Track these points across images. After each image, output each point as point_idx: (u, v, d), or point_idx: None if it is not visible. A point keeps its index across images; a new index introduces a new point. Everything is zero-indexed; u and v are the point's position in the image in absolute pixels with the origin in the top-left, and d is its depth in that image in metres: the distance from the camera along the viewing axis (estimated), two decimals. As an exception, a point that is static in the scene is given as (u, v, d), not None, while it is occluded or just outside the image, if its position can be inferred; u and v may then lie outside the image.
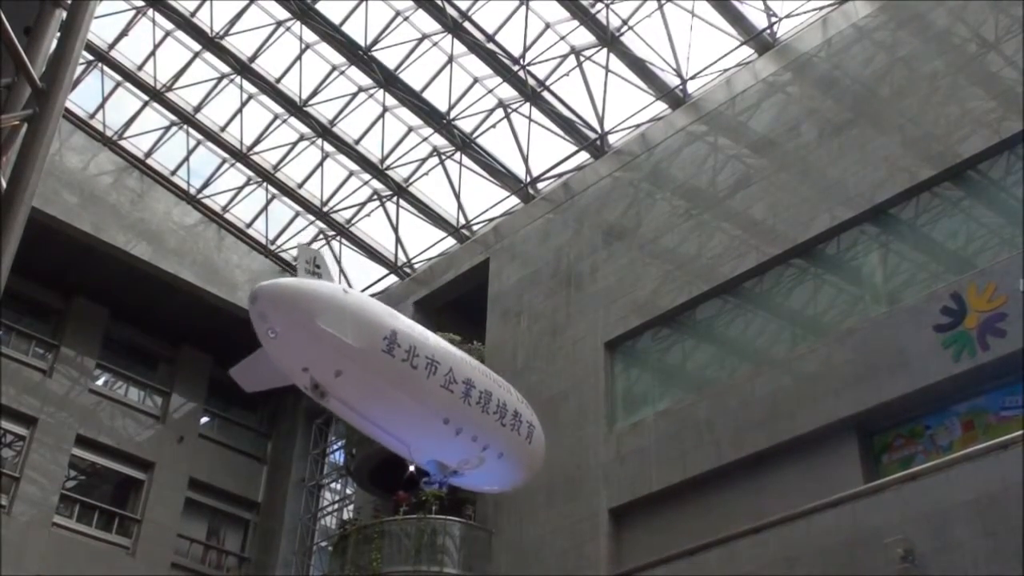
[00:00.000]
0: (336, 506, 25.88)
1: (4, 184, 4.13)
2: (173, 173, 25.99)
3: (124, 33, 24.10)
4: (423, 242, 25.71)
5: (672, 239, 19.22)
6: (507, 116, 22.66)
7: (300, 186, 25.81)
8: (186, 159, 25.81)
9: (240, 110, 24.76)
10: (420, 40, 22.52)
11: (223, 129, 25.24)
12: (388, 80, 23.03)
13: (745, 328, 18.16)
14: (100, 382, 25.26)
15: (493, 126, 23.10)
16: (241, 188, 26.15)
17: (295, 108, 24.21)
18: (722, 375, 17.84)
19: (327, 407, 9.57)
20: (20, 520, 22.23)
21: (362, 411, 9.71)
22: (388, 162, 24.48)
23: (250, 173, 25.77)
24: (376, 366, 8.85)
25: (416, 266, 25.73)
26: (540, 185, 23.17)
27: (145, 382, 25.96)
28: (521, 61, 21.72)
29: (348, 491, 25.29)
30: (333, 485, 26.34)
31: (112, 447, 24.39)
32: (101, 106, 25.15)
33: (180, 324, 25.88)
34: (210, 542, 25.72)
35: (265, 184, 25.87)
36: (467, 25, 21.75)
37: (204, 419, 26.41)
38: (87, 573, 22.67)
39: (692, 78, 20.60)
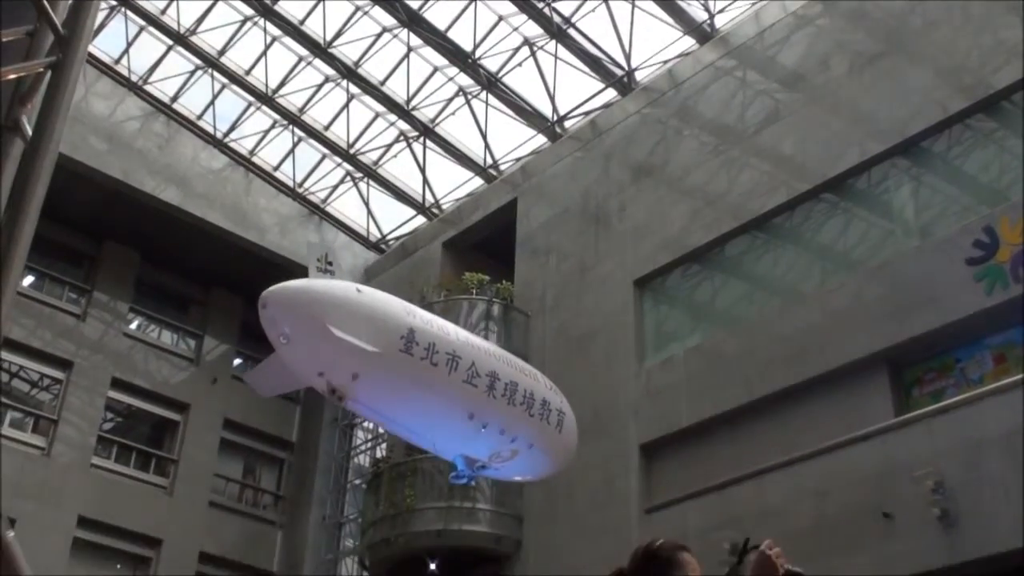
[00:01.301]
0: (369, 444, 26.14)
1: (30, 132, 4.15)
2: (199, 117, 26.00)
3: (147, -24, 24.03)
4: (451, 183, 25.70)
5: (701, 176, 19.09)
6: (533, 54, 22.46)
7: (326, 128, 25.77)
8: (212, 103, 25.81)
9: (264, 53, 24.67)
10: (444, -22, 22.31)
11: (248, 72, 25.18)
12: (412, 19, 22.85)
13: (774, 264, 18.09)
14: (133, 326, 25.53)
15: (519, 64, 22.89)
16: (267, 131, 26.14)
17: (319, 50, 24.09)
18: (752, 311, 17.82)
19: (347, 408, 9.36)
20: (60, 461, 22.64)
21: (383, 412, 9.48)
22: (414, 103, 24.36)
23: (276, 116, 25.75)
24: (395, 367, 8.57)
25: (444, 207, 25.71)
26: (567, 123, 23.02)
27: (178, 325, 26.22)
28: (546, -3, 21.48)
29: (380, 430, 25.53)
30: (365, 424, 26.58)
31: (147, 389, 24.72)
32: (125, 51, 25.13)
33: (210, 267, 26.06)
34: (246, 481, 26.11)
35: (291, 127, 25.85)
36: (491, -39, 21.51)
37: (237, 360, 26.66)
38: (126, 512, 23.13)
39: (720, 12, 20.32)
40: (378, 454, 24.56)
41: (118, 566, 23.49)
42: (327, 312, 8.27)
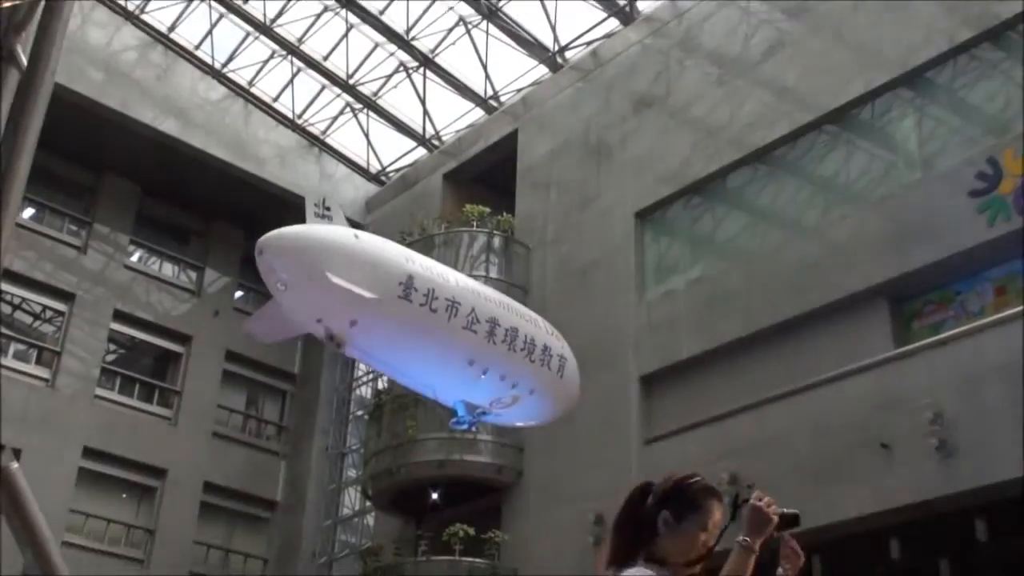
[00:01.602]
0: (371, 376, 26.29)
1: (25, 62, 4.12)
2: (197, 47, 25.72)
3: (142, -97, 23.63)
4: (451, 114, 25.49)
5: (703, 107, 18.96)
6: (534, -18, 22.19)
7: (325, 59, 25.51)
8: (209, 33, 25.51)
9: (263, -20, 24.36)
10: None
11: (245, 1, 24.88)
12: (412, -53, 22.53)
13: (776, 196, 18.03)
14: (134, 258, 25.54)
15: (520, -7, 22.64)
16: (266, 62, 25.88)
17: (318, -22, 23.79)
18: (753, 243, 17.81)
19: (346, 354, 9.23)
20: (64, 393, 22.80)
21: (382, 358, 9.39)
22: (414, 33, 24.09)
23: (274, 46, 25.48)
24: (393, 313, 8.46)
25: (444, 138, 25.56)
26: (568, 54, 22.79)
27: (179, 257, 26.22)
28: (548, -76, 21.15)
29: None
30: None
31: (149, 321, 24.80)
32: (122, -22, 24.82)
33: (211, 199, 25.99)
34: (249, 412, 26.31)
35: (290, 57, 25.59)
36: None
37: (238, 293, 26.72)
38: (131, 443, 23.35)
39: (724, -61, 20.02)
40: (379, 385, 24.70)
41: (123, 496, 23.76)
42: (324, 258, 8.14)
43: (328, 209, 8.60)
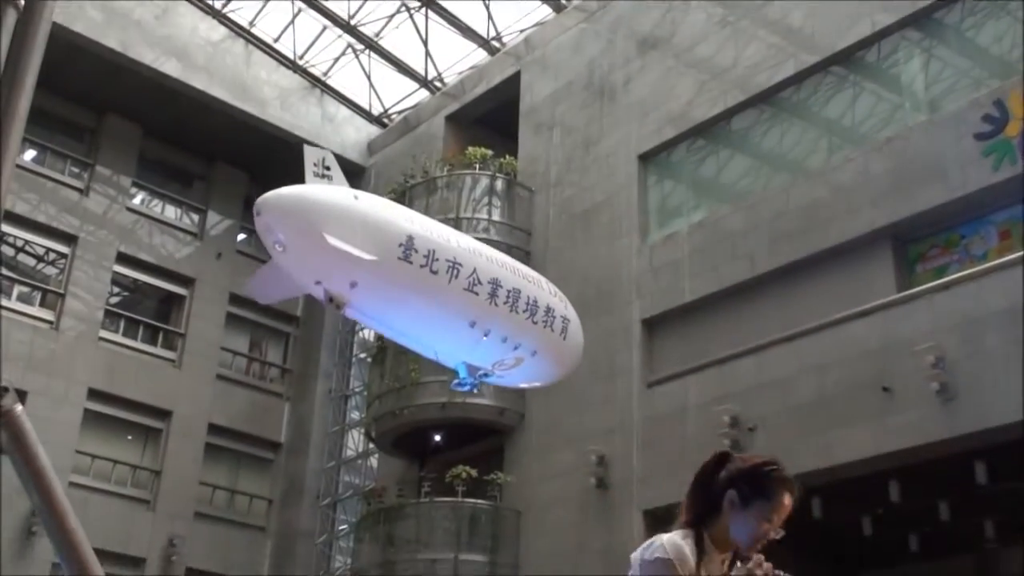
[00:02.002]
0: (373, 319, 26.36)
1: (22, 1, 4.07)
2: (197, -13, 25.49)
3: None
4: (453, 55, 25.27)
5: (708, 48, 18.78)
6: (537, -79, 21.89)
7: (327, -2, 25.28)
8: (210, -28, 25.27)
9: (263, -81, 24.05)
10: None
11: (246, -60, 24.60)
12: None
13: (781, 138, 17.94)
14: (137, 200, 25.48)
15: (523, -69, 22.37)
16: (266, 1, 25.62)
17: (319, -84, 23.47)
18: (757, 186, 17.74)
19: (346, 316, 9.02)
20: (68, 335, 22.87)
21: (383, 320, 9.29)
22: (416, -28, 23.85)
23: (275, -15, 25.23)
24: (393, 275, 8.35)
25: (446, 80, 25.38)
26: (572, -7, 22.57)
27: (181, 200, 26.16)
28: None
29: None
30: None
31: (152, 264, 24.81)
32: (120, -83, 24.48)
33: (212, 141, 25.86)
34: (252, 355, 26.41)
35: (291, -4, 25.34)
36: None
37: (241, 236, 26.69)
38: (136, 385, 23.49)
39: None
40: (383, 328, 24.77)
41: (129, 437, 23.93)
42: (323, 220, 8.01)
43: (328, 168, 8.45)
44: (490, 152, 21.36)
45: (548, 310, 9.49)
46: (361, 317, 9.53)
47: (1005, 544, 17.22)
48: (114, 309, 24.36)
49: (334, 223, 7.99)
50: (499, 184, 21.22)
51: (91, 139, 24.93)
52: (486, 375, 9.42)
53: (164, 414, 23.85)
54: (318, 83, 26.47)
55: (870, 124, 16.60)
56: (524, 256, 20.49)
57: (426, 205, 21.09)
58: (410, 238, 8.36)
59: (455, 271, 8.58)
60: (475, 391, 9.53)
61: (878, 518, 16.27)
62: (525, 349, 9.26)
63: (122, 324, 24.32)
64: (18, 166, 22.63)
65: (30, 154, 23.80)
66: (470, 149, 21.47)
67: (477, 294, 8.75)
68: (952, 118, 14.75)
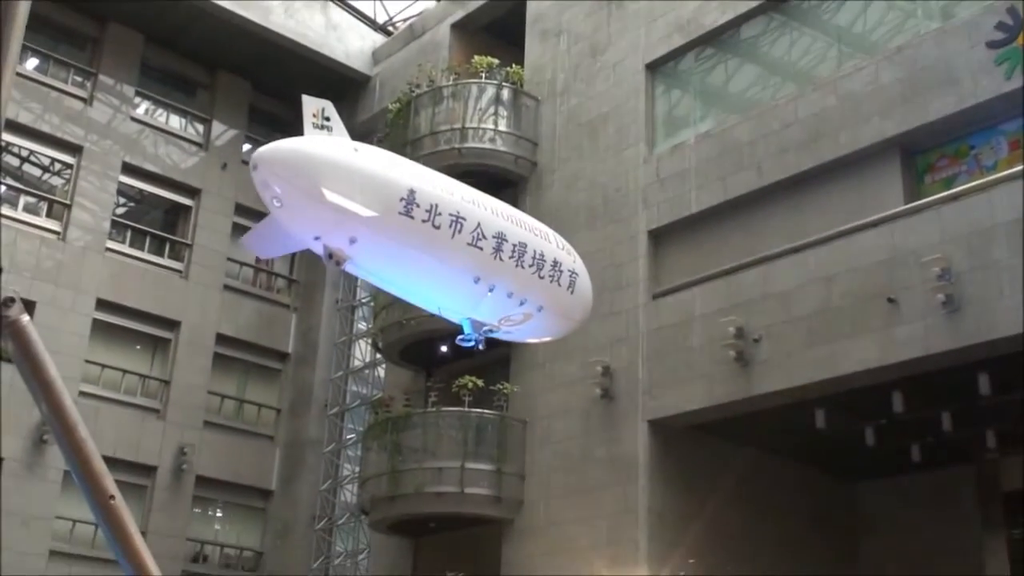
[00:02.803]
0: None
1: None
2: None
3: None
4: (459, -39, 24.84)
5: (718, -47, 18.43)
6: None
7: (330, -98, 24.80)
8: None
9: None
10: None
11: None
12: None
13: (790, 47, 17.69)
14: (141, 110, 25.30)
15: None
16: (269, -94, 25.16)
17: None
18: (765, 96, 17.56)
19: (346, 271, 8.80)
20: (75, 245, 22.91)
21: (384, 276, 9.14)
22: None
23: None
24: (394, 231, 8.10)
25: (452, -14, 24.99)
26: None
27: (185, 109, 25.98)
28: None
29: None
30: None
31: (158, 174, 24.73)
32: None
33: (216, 50, 25.58)
34: (259, 265, 26.45)
35: (294, -99, 24.86)
36: None
37: (246, 146, 26.54)
38: (143, 295, 23.60)
39: None
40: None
41: (137, 347, 24.11)
42: (321, 174, 7.79)
43: (328, 119, 8.24)
44: (496, 61, 21.11)
45: (555, 264, 9.31)
46: (361, 273, 9.38)
47: (1005, 454, 17.43)
48: (120, 220, 24.35)
49: (333, 178, 7.81)
50: (505, 93, 21.02)
51: (93, 47, 24.67)
52: (492, 331, 9.30)
53: (172, 324, 24.00)
54: (321, -11, 26.10)
55: (881, 32, 16.36)
56: (531, 166, 20.41)
57: (432, 115, 20.94)
58: (412, 192, 8.15)
59: (458, 225, 8.36)
60: (479, 347, 9.42)
61: (881, 428, 16.43)
62: (531, 304, 9.09)
63: (129, 235, 24.34)
64: (21, 74, 22.52)
65: (32, 62, 23.59)
66: (476, 58, 21.23)
67: (481, 249, 8.54)
68: (964, 26, 14.52)
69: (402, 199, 8.05)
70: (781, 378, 15.16)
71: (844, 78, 15.85)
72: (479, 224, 8.53)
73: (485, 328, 9.10)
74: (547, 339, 10.89)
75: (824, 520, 19.05)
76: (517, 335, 10.01)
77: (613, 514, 16.72)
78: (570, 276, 9.51)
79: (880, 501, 19.42)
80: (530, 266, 8.95)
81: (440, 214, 8.22)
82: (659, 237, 17.86)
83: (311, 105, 8.18)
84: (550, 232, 9.53)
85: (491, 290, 8.73)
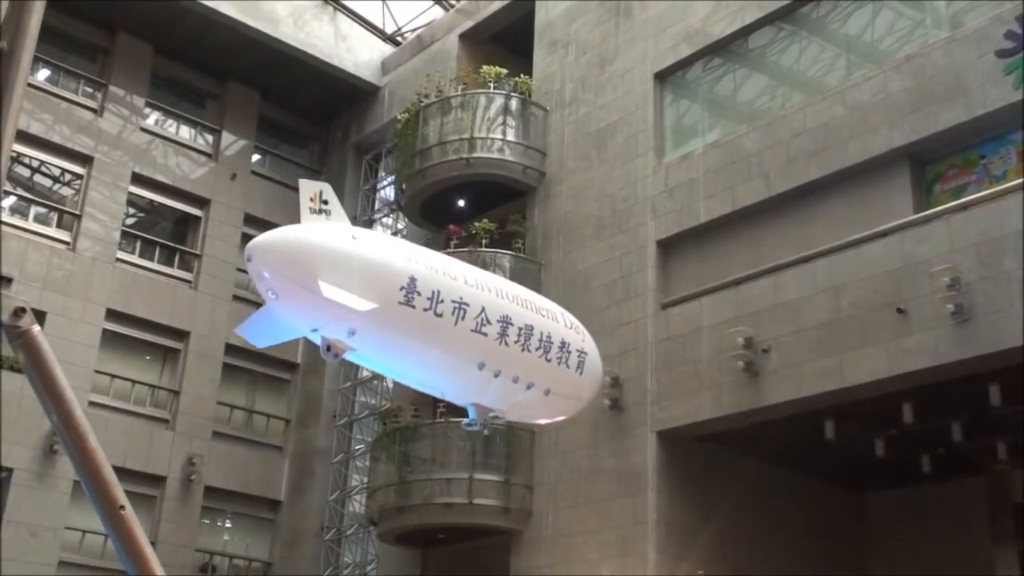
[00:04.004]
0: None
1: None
2: (207, -98, 25.09)
3: None
4: (468, -29, 24.92)
5: (726, -36, 18.44)
6: None
7: (339, -86, 24.89)
8: None
9: None
10: None
11: None
12: None
13: (799, 56, 17.70)
14: (151, 121, 25.38)
15: None
16: (279, -83, 25.25)
17: None
18: (774, 105, 17.55)
19: (346, 360, 8.42)
20: (85, 256, 22.96)
21: (384, 364, 8.92)
22: None
23: (286, -100, 24.83)
24: (394, 321, 7.84)
25: (461, -3, 25.06)
26: (588, -92, 22.11)
27: (195, 120, 26.06)
28: None
29: (400, 225, 25.70)
30: (385, 220, 26.77)
31: (168, 185, 24.79)
32: None
33: (225, 61, 25.67)
34: (268, 276, 26.42)
35: (303, -88, 24.96)
36: None
37: (255, 156, 26.63)
38: (153, 305, 23.64)
39: None
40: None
41: (147, 357, 24.14)
42: (318, 266, 7.49)
43: (326, 203, 7.94)
44: (505, 71, 21.16)
45: (563, 345, 9.00)
46: (361, 361, 9.15)
47: (1016, 465, 17.35)
48: (130, 230, 24.40)
49: (330, 269, 7.52)
50: (514, 103, 21.05)
51: (104, 58, 24.77)
52: (497, 417, 9.01)
53: (182, 334, 24.04)
54: (331, 1, 26.18)
55: (889, 41, 16.35)
56: (539, 176, 20.42)
57: (440, 125, 20.98)
58: (412, 280, 7.88)
59: (461, 312, 8.10)
60: (485, 432, 9.18)
61: (890, 439, 16.37)
62: (538, 388, 8.82)
63: (138, 245, 24.39)
64: (32, 85, 22.62)
65: (44, 73, 23.70)
66: (484, 68, 21.27)
67: (486, 334, 8.28)
68: (973, 35, 14.50)
69: (402, 288, 7.80)
70: (790, 389, 15.13)
71: (853, 87, 15.84)
72: (483, 309, 8.28)
73: (491, 415, 8.79)
74: (550, 421, 10.60)
75: (833, 531, 18.99)
76: (523, 418, 9.74)
77: (622, 525, 16.68)
78: (579, 356, 9.20)
79: (889, 513, 19.35)
80: (537, 349, 8.69)
81: (442, 301, 7.99)
82: (668, 247, 17.85)
83: (308, 189, 7.91)
84: (558, 311, 9.28)
85: (496, 376, 8.46)
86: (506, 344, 8.40)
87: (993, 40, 14.08)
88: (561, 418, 10.03)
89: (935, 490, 18.49)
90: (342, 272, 7.53)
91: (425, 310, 7.88)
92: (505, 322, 8.41)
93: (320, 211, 7.90)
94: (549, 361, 8.80)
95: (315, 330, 7.79)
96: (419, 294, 7.86)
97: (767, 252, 16.26)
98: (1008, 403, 14.23)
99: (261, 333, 8.65)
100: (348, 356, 7.98)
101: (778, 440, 16.68)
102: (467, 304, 8.15)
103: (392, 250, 8.33)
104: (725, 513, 16.87)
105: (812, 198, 16.02)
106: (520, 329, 8.53)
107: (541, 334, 8.72)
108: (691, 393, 16.42)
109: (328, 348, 7.71)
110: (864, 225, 15.00)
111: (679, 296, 17.30)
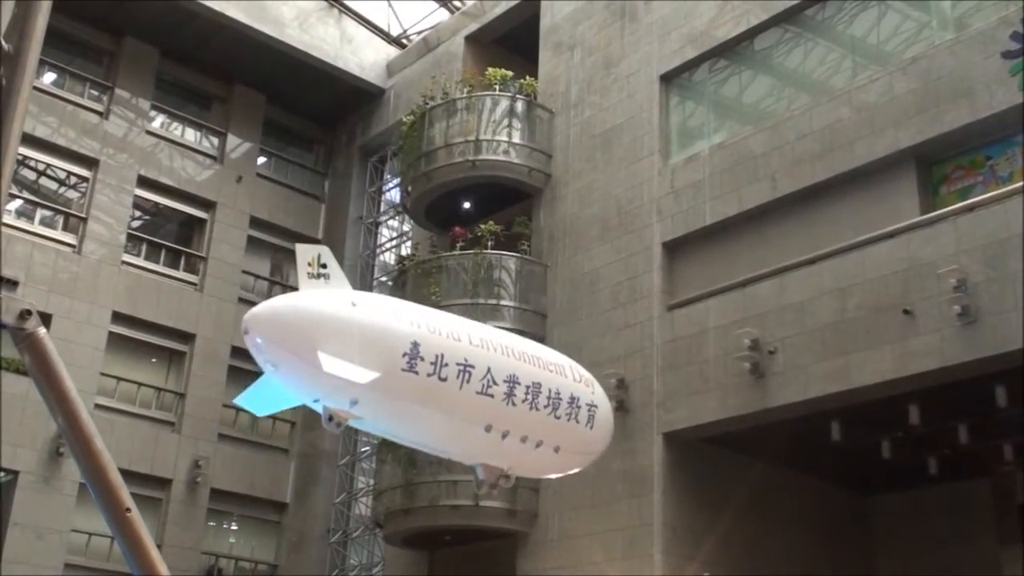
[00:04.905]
0: (394, 242, 26.40)
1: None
2: (213, -95, 25.12)
3: None
4: (473, -26, 24.93)
5: (731, -35, 18.43)
6: None
7: (344, -84, 24.91)
8: None
9: None
10: None
11: None
12: None
13: (804, 58, 17.68)
14: (156, 123, 25.42)
15: None
16: (284, -80, 25.28)
17: None
18: (779, 107, 17.54)
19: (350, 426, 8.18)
20: (91, 259, 23.00)
21: (388, 430, 8.74)
22: None
23: (292, -97, 24.86)
24: (398, 389, 7.62)
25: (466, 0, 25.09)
26: (593, -90, 22.11)
27: (200, 122, 26.09)
28: None
29: (405, 228, 25.72)
30: (390, 222, 26.79)
31: (173, 187, 24.82)
32: None
33: (230, 63, 25.71)
34: (274, 278, 26.51)
35: (308, -85, 24.98)
36: None
37: (261, 159, 26.66)
38: (159, 308, 23.66)
39: None
40: (403, 251, 24.81)
41: (153, 360, 24.17)
42: (317, 338, 7.27)
43: (324, 267, 7.77)
44: (510, 73, 21.16)
45: (572, 400, 8.71)
46: (365, 428, 8.98)
47: (1022, 467, 17.30)
48: (136, 233, 24.45)
49: (330, 339, 7.30)
50: (519, 106, 21.05)
51: (109, 62, 24.82)
52: (507, 476, 8.66)
53: (187, 337, 24.06)
54: (336, 3, 26.21)
55: (895, 43, 16.33)
56: (544, 178, 20.42)
57: (446, 127, 20.99)
58: (415, 345, 7.64)
59: (467, 374, 7.85)
60: (495, 493, 9.03)
61: (897, 441, 16.35)
62: (548, 446, 8.59)
63: (144, 248, 24.43)
64: (38, 88, 22.66)
65: (50, 77, 23.75)
66: (490, 70, 21.28)
67: (492, 395, 8.00)
68: (979, 36, 14.49)
69: (405, 354, 7.57)
70: (796, 390, 15.11)
71: (858, 89, 15.82)
72: (489, 369, 8.03)
73: (499, 475, 8.54)
74: (563, 474, 10.17)
75: (839, 533, 18.96)
76: (532, 474, 9.56)
77: (628, 527, 16.67)
78: (588, 410, 8.90)
79: (896, 514, 19.32)
80: (545, 407, 8.42)
81: (447, 364, 7.75)
82: (673, 249, 17.84)
83: (306, 253, 7.75)
84: (567, 364, 9.02)
85: (504, 436, 8.24)
86: (513, 404, 8.15)
87: (999, 42, 14.06)
88: (571, 471, 9.76)
89: (941, 491, 18.45)
90: (342, 341, 7.32)
91: (429, 375, 7.65)
92: (512, 381, 8.15)
93: (319, 275, 7.72)
94: (559, 418, 8.54)
95: (316, 400, 7.61)
96: (422, 359, 7.63)
97: (773, 253, 16.24)
98: (1014, 405, 14.20)
99: (261, 402, 8.50)
100: (352, 423, 7.81)
101: (784, 441, 16.66)
102: (472, 365, 7.90)
103: (393, 314, 8.08)
104: (731, 515, 16.85)
105: (818, 199, 16.00)
106: (528, 387, 8.28)
107: (549, 391, 8.47)
108: (697, 395, 16.41)
109: (330, 418, 7.52)
110: (870, 226, 14.98)
111: (685, 298, 17.28)
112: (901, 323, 13.99)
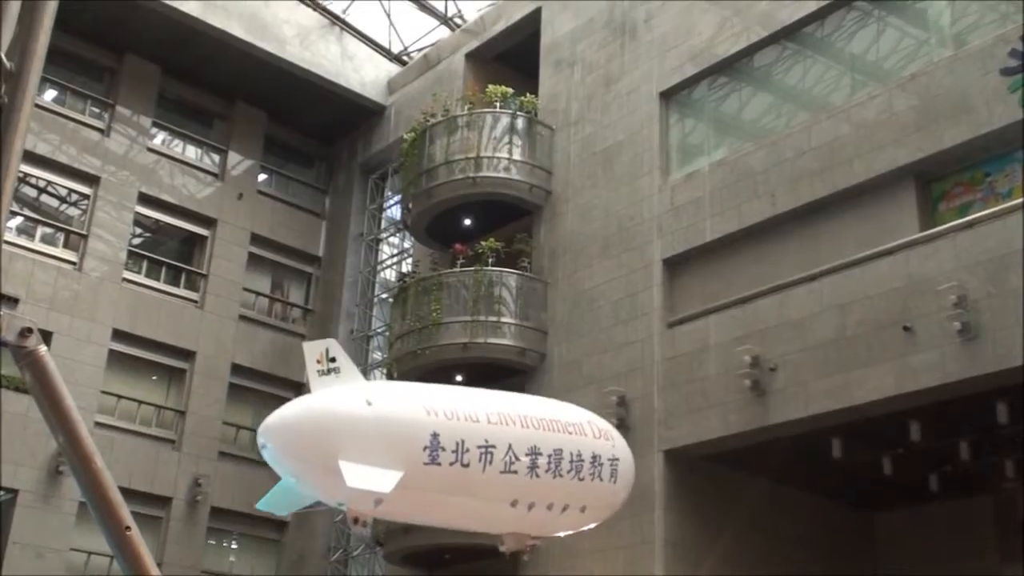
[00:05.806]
0: (395, 259, 26.42)
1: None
2: (214, -76, 25.24)
3: None
4: (473, -9, 25.06)
5: (730, -17, 18.49)
6: None
7: (345, -65, 25.01)
8: (227, -91, 25.00)
9: None
10: None
11: None
12: None
13: (804, 75, 17.72)
14: (157, 141, 25.47)
15: None
16: (285, -62, 25.39)
17: None
18: (779, 124, 17.57)
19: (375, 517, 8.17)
20: (92, 276, 23.01)
21: (415, 521, 8.84)
22: (435, -93, 23.52)
23: (293, -78, 24.97)
24: (421, 483, 7.59)
25: (466, 17, 25.15)
26: (593, -72, 22.20)
27: (201, 140, 26.14)
28: None
29: (406, 244, 25.73)
30: (391, 239, 26.81)
31: (174, 204, 24.86)
32: None
33: (231, 81, 25.78)
34: (274, 295, 26.52)
35: (309, -66, 25.09)
36: None
37: (262, 176, 26.70)
38: (159, 325, 23.66)
39: None
40: (404, 268, 24.82)
41: (153, 377, 24.16)
42: (337, 447, 7.19)
43: (333, 361, 7.69)
44: (511, 90, 21.21)
45: (594, 459, 8.69)
46: (392, 518, 8.94)
47: (1025, 483, 17.28)
48: (137, 250, 24.47)
49: (349, 446, 7.21)
50: (520, 123, 21.09)
51: (111, 79, 24.89)
52: (535, 544, 8.79)
53: (188, 354, 24.05)
54: (337, 21, 26.30)
55: (894, 60, 16.38)
56: (545, 195, 20.44)
57: (446, 144, 21.02)
58: (435, 436, 7.60)
59: (488, 456, 7.83)
60: (525, 559, 9.02)
61: (898, 458, 16.32)
62: (574, 508, 8.62)
63: (145, 265, 24.45)
64: (39, 106, 22.71)
65: (51, 94, 23.81)
66: (490, 87, 21.33)
67: (516, 472, 7.99)
68: (978, 53, 14.52)
69: (426, 447, 7.54)
70: (797, 407, 15.09)
71: (857, 106, 15.86)
72: (510, 446, 8.00)
73: (528, 543, 8.60)
74: (586, 528, 10.23)
75: (841, 550, 18.90)
76: (559, 533, 9.57)
77: (629, 545, 16.62)
78: (611, 465, 8.91)
79: (897, 531, 19.27)
80: (568, 472, 8.40)
81: (467, 450, 7.74)
82: (674, 266, 17.85)
83: (314, 350, 7.71)
84: (585, 420, 8.96)
85: (530, 508, 8.26)
86: (537, 476, 8.14)
87: (997, 59, 14.10)
88: (594, 524, 9.79)
89: (943, 508, 18.41)
90: (362, 446, 7.26)
91: (451, 464, 7.64)
92: (534, 454, 8.14)
93: (329, 371, 7.65)
94: (582, 480, 8.55)
95: (341, 504, 7.62)
96: (443, 448, 7.62)
97: (773, 270, 16.24)
98: (1016, 421, 14.18)
99: (283, 504, 8.56)
100: (378, 515, 7.78)
101: (785, 458, 16.63)
102: (493, 446, 7.90)
103: (409, 406, 7.97)
104: (732, 532, 16.81)
105: (818, 216, 16.01)
106: (550, 456, 8.25)
107: (571, 455, 8.43)
108: (698, 412, 16.39)
109: (356, 520, 7.55)
110: (870, 243, 14.99)
111: (685, 315, 17.28)
112: (902, 340, 13.99)
